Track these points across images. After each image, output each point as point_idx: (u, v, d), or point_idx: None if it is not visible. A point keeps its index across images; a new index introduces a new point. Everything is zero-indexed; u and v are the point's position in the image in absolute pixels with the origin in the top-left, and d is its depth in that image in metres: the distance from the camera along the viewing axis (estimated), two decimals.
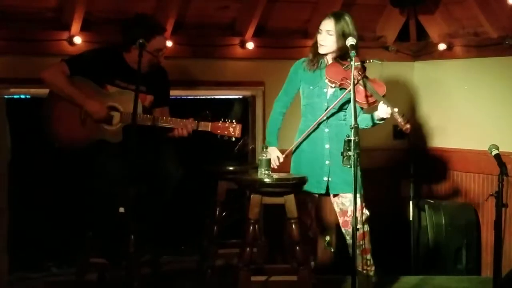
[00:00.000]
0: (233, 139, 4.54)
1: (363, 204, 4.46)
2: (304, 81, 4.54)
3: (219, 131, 4.51)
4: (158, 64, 4.64)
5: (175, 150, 4.65)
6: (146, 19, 4.63)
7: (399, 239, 5.68)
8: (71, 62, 4.50)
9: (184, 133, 4.47)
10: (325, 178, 4.46)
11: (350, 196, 4.31)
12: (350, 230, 4.40)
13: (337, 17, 4.41)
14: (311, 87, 4.50)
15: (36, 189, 5.25)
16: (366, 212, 4.46)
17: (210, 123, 4.51)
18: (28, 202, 5.20)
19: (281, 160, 4.52)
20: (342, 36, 4.36)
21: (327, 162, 4.46)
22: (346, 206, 4.47)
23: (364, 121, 4.45)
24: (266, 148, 4.36)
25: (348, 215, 4.45)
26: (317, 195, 4.56)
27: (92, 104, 4.42)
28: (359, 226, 4.37)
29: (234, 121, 4.53)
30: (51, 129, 4.48)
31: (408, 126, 4.27)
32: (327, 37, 4.40)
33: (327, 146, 4.46)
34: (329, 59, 4.49)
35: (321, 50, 4.45)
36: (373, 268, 4.55)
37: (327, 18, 4.43)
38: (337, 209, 4.55)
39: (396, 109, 4.28)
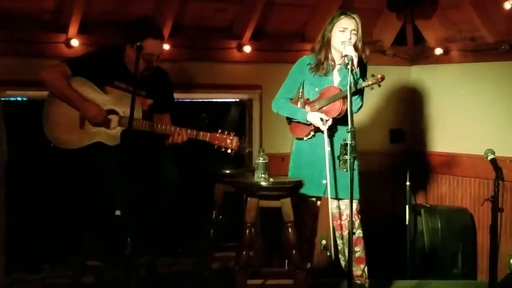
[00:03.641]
0: (229, 151, 4.51)
1: (358, 209, 4.47)
2: (308, 82, 4.49)
3: (216, 142, 4.46)
4: (158, 68, 4.59)
5: (173, 153, 4.64)
6: (142, 21, 4.60)
7: (395, 243, 5.69)
8: (72, 63, 4.47)
9: (179, 140, 4.44)
10: (324, 181, 4.43)
11: (347, 200, 4.33)
12: (345, 233, 4.43)
13: (358, 17, 4.36)
14: (316, 89, 4.46)
15: (33, 191, 5.24)
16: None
17: (208, 134, 4.46)
18: (25, 204, 5.19)
19: (330, 122, 4.35)
20: (362, 36, 4.37)
21: (327, 165, 4.44)
22: (342, 209, 4.46)
23: (358, 101, 4.39)
24: (263, 151, 4.37)
25: (343, 219, 4.45)
26: (315, 198, 4.55)
27: (90, 108, 4.39)
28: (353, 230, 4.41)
29: (232, 133, 4.49)
30: (49, 127, 4.45)
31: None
32: (352, 36, 4.32)
33: (328, 149, 4.41)
34: (337, 59, 4.41)
35: (348, 50, 4.24)
36: (367, 280, 4.55)
37: (350, 18, 4.35)
38: (333, 212, 4.54)
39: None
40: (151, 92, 4.54)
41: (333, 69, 4.45)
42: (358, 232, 4.48)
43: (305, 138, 4.50)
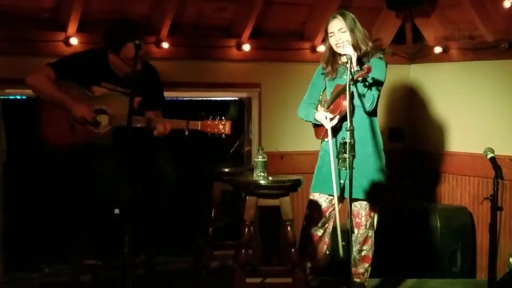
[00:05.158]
0: (223, 136, 4.48)
1: (374, 209, 4.46)
2: (327, 85, 4.52)
3: (209, 129, 4.40)
4: (147, 65, 4.53)
5: (171, 151, 4.63)
6: (120, 26, 4.49)
7: (394, 241, 5.68)
8: (57, 65, 4.41)
9: (161, 129, 4.35)
10: (342, 181, 4.37)
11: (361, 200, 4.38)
12: (361, 232, 4.46)
13: (343, 14, 4.38)
14: (331, 90, 4.47)
15: (31, 189, 5.24)
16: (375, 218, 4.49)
17: (200, 122, 4.40)
18: (23, 203, 5.19)
19: (335, 120, 4.32)
20: (355, 29, 4.35)
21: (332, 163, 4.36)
22: (358, 208, 4.44)
23: (368, 98, 4.34)
24: (262, 150, 4.36)
25: (360, 218, 4.45)
26: (333, 197, 4.50)
27: (79, 108, 4.33)
28: (364, 230, 4.44)
29: (223, 118, 4.46)
30: (40, 134, 4.42)
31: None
32: (342, 35, 4.33)
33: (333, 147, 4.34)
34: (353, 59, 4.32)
35: (340, 50, 4.31)
36: (367, 280, 4.56)
37: (333, 19, 4.37)
38: (352, 209, 4.52)
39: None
40: (140, 90, 4.45)
41: (344, 71, 4.44)
42: (367, 232, 4.49)
43: (326, 139, 4.46)
